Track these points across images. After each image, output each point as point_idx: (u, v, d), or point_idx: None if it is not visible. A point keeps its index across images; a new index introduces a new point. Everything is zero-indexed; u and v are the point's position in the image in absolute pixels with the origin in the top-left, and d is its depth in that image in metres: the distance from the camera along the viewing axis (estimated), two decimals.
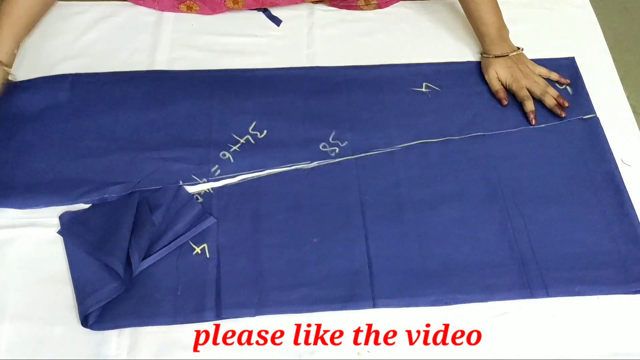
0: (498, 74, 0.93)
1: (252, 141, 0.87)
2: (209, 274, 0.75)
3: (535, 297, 0.75)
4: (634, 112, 0.94)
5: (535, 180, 0.84)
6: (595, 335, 0.73)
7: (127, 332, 0.71)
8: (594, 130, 0.89)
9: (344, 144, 0.87)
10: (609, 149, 0.87)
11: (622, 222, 0.81)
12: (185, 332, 0.72)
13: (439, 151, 0.87)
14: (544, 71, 0.95)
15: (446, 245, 0.78)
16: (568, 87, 0.94)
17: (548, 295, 0.75)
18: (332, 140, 0.88)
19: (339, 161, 0.85)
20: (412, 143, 0.87)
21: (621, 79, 0.97)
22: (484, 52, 0.96)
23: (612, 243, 0.79)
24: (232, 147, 0.86)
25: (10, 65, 0.88)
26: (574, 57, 0.98)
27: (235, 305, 0.73)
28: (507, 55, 0.93)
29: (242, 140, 0.87)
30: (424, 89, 0.94)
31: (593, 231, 0.80)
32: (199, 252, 0.77)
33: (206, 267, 0.76)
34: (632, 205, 0.82)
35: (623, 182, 0.84)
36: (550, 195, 0.83)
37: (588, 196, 0.83)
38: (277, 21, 1.02)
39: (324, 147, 0.87)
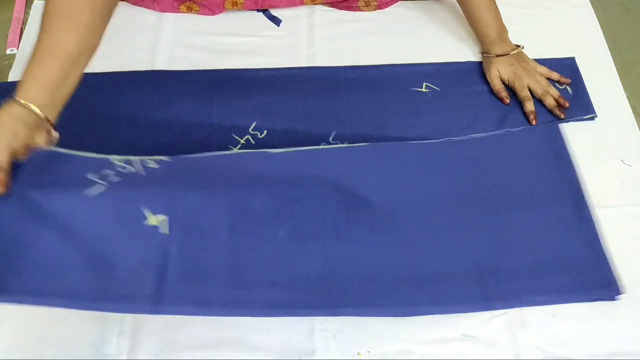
0: (500, 72, 0.93)
1: (252, 141, 0.87)
2: (159, 254, 0.63)
3: (493, 309, 0.73)
4: (634, 112, 0.94)
5: (498, 187, 0.81)
6: (594, 335, 0.73)
7: (127, 332, 0.71)
8: (552, 136, 0.87)
9: (344, 144, 0.87)
10: (568, 153, 0.85)
11: (581, 229, 0.78)
12: (185, 332, 0.71)
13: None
14: (544, 70, 0.94)
15: (416, 253, 0.74)
16: (568, 87, 0.94)
17: (508, 306, 0.72)
18: (332, 140, 0.87)
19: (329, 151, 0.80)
20: (411, 143, 0.87)
21: (621, 79, 0.97)
22: (484, 52, 0.96)
23: (571, 250, 0.76)
24: (232, 150, 0.85)
25: (51, 117, 0.67)
26: (574, 57, 0.98)
27: (181, 301, 0.65)
28: (508, 53, 0.93)
29: (242, 141, 0.87)
30: (424, 89, 0.94)
31: (553, 238, 0.77)
32: (156, 224, 0.64)
33: (158, 245, 0.64)
34: (590, 212, 0.79)
35: (581, 188, 0.81)
36: (512, 202, 0.79)
37: (549, 202, 0.80)
38: (277, 21, 1.02)
39: (324, 147, 0.87)
